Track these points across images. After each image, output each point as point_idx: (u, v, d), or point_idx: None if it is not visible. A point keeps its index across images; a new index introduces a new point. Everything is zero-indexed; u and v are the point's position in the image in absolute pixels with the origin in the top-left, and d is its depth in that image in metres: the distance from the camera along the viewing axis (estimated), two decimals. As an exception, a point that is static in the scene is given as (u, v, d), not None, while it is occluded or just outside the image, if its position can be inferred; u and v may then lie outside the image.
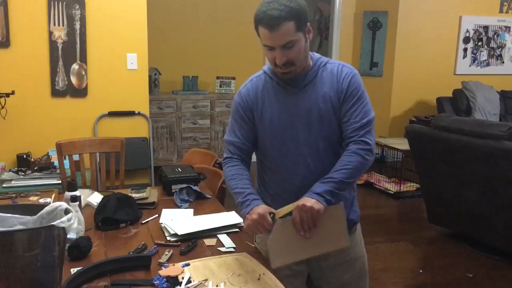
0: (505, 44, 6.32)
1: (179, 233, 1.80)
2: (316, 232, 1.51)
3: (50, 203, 1.82)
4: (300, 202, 1.49)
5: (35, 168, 3.31)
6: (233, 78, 5.59)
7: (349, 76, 1.61)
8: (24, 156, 3.40)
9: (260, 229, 1.53)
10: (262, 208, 1.52)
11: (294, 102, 1.62)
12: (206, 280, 1.47)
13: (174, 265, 1.57)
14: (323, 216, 1.50)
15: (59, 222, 1.23)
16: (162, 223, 1.94)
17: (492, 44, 6.29)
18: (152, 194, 2.26)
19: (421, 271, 3.28)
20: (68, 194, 1.85)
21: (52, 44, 3.51)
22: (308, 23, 1.56)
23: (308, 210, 1.47)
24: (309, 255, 1.59)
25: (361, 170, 1.59)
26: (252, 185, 1.66)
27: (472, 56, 6.23)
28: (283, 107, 1.63)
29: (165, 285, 1.43)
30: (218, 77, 5.61)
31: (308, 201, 1.48)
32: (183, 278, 1.47)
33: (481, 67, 6.30)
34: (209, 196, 2.33)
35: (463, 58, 6.19)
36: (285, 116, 1.63)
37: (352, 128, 1.58)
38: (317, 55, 1.67)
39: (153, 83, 5.24)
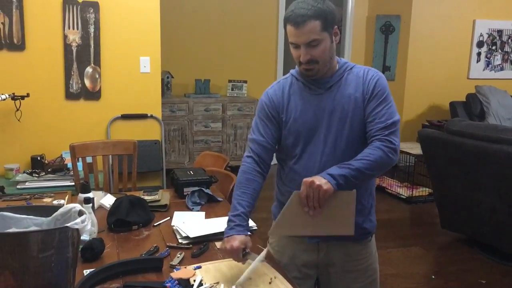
0: (519, 48, 6.26)
1: (191, 235, 1.81)
2: (322, 212, 1.49)
3: (63, 204, 1.85)
4: (311, 179, 1.47)
5: (49, 170, 3.34)
6: (245, 82, 5.61)
7: (375, 78, 1.62)
8: (38, 158, 3.44)
9: (229, 258, 1.57)
10: (238, 242, 1.52)
11: (317, 103, 1.64)
12: (217, 283, 1.47)
13: (185, 267, 1.57)
14: (332, 198, 1.49)
15: (73, 223, 1.24)
16: (174, 226, 1.95)
17: (506, 48, 6.23)
18: (164, 196, 2.27)
19: (433, 276, 3.26)
20: (81, 196, 1.86)
21: (67, 47, 3.54)
22: (336, 26, 1.58)
23: (316, 188, 1.46)
24: (309, 233, 1.58)
25: (382, 166, 1.56)
26: (253, 201, 1.64)
27: (486, 60, 6.17)
28: (307, 107, 1.65)
29: (176, 288, 1.44)
30: (230, 81, 5.63)
31: (319, 179, 1.47)
32: (194, 280, 1.47)
33: (495, 72, 6.24)
34: (221, 199, 2.33)
35: (477, 62, 6.14)
36: (308, 116, 1.64)
37: (377, 127, 1.58)
38: (344, 60, 1.70)
39: (166, 86, 5.27)
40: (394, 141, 1.57)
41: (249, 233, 1.59)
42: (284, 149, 1.73)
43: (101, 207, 2.15)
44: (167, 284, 1.45)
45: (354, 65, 1.68)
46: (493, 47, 6.16)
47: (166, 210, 2.17)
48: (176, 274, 1.51)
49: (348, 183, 1.50)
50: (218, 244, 1.78)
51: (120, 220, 1.92)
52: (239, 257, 1.52)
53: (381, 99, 1.60)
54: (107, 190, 2.81)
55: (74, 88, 3.61)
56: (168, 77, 5.31)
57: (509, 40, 6.21)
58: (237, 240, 1.52)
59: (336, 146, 1.62)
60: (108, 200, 2.19)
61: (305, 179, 1.48)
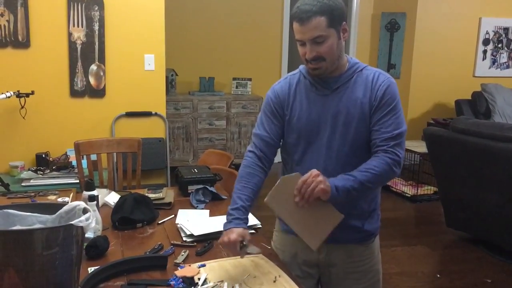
0: (526, 46, 6.22)
1: (195, 233, 1.80)
2: (305, 211, 1.48)
3: (68, 202, 1.84)
4: (319, 172, 1.46)
5: (54, 167, 3.35)
6: (249, 79, 5.60)
7: (386, 84, 1.57)
8: (43, 156, 3.45)
9: (228, 250, 1.56)
10: (236, 234, 1.50)
11: (323, 104, 1.60)
12: (221, 281, 1.47)
13: (190, 265, 1.57)
14: (322, 207, 1.48)
15: (78, 221, 1.24)
16: (178, 224, 1.94)
17: (513, 46, 6.20)
18: (168, 194, 2.27)
19: (438, 275, 3.24)
20: (86, 193, 1.86)
21: (71, 45, 3.55)
22: (344, 22, 1.54)
23: (316, 182, 1.43)
24: (287, 221, 1.56)
25: (384, 179, 1.55)
26: (253, 196, 1.62)
27: (492, 58, 6.14)
28: (312, 107, 1.62)
29: (181, 286, 1.44)
30: (234, 78, 5.62)
31: (324, 178, 1.45)
32: (199, 278, 1.47)
33: (501, 70, 6.20)
34: (225, 197, 2.33)
35: (483, 60, 6.10)
36: (312, 116, 1.61)
37: (383, 137, 1.54)
38: (355, 59, 1.65)
39: (170, 84, 5.27)
40: (399, 153, 1.54)
41: (247, 226, 1.57)
42: (286, 148, 1.71)
43: (105, 204, 2.15)
44: (171, 282, 1.45)
45: (365, 67, 1.63)
46: (499, 45, 6.12)
47: (170, 208, 2.17)
48: (180, 272, 1.51)
49: (348, 196, 1.49)
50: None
51: (125, 217, 1.92)
52: (237, 250, 1.51)
53: (389, 108, 1.55)
54: (112, 187, 2.81)
55: (79, 86, 3.62)
56: (172, 75, 5.31)
57: (515, 38, 6.17)
58: (234, 233, 1.51)
59: (340, 151, 1.59)
60: (112, 197, 2.19)
61: (314, 169, 1.47)
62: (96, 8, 3.54)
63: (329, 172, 1.59)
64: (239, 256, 1.56)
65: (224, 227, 1.56)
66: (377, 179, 1.52)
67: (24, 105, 3.39)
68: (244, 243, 1.52)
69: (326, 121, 1.60)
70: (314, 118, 1.61)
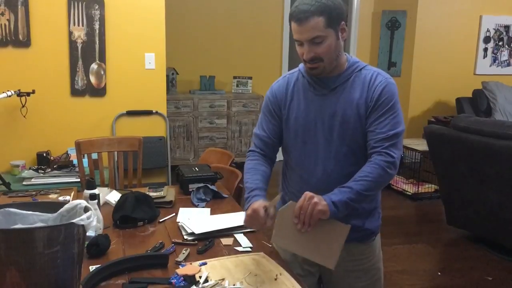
0: (526, 44, 6.21)
1: (196, 232, 1.81)
2: (311, 234, 1.48)
3: (69, 201, 1.85)
4: (312, 194, 1.46)
5: (55, 166, 3.35)
6: (250, 78, 5.60)
7: (382, 84, 1.55)
8: (44, 155, 3.45)
9: (255, 224, 1.54)
10: (257, 203, 1.51)
11: (320, 104, 1.60)
12: (223, 279, 1.47)
13: (191, 264, 1.57)
14: (326, 224, 1.47)
15: (79, 219, 1.24)
16: (179, 222, 1.94)
17: (513, 44, 6.19)
18: (169, 193, 2.27)
19: (439, 273, 3.24)
20: (87, 192, 1.87)
21: (72, 44, 3.55)
22: (343, 22, 1.53)
23: (312, 204, 1.44)
24: (297, 251, 1.56)
25: (381, 183, 1.54)
26: (264, 180, 1.64)
27: (493, 56, 6.13)
28: (309, 107, 1.61)
29: (182, 284, 1.44)
30: (235, 77, 5.62)
31: (319, 199, 1.45)
32: (200, 277, 1.47)
33: (501, 67, 6.19)
34: (226, 196, 2.33)
35: (484, 58, 6.09)
36: (310, 116, 1.61)
37: (377, 138, 1.53)
38: (354, 58, 1.63)
39: (171, 83, 5.27)
40: (394, 153, 1.52)
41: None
42: (285, 147, 1.72)
43: (106, 203, 2.15)
44: (172, 280, 1.45)
45: (365, 66, 1.61)
46: (500, 43, 6.12)
47: (171, 206, 2.17)
48: (181, 271, 1.51)
49: (348, 208, 1.49)
50: (223, 241, 1.78)
51: (126, 216, 1.92)
52: (262, 216, 1.49)
53: (385, 109, 1.54)
54: (113, 186, 2.81)
55: (80, 85, 3.62)
56: (173, 74, 5.31)
57: (516, 36, 6.16)
58: (256, 203, 1.52)
59: (338, 151, 1.59)
60: (113, 196, 2.19)
61: (307, 192, 1.47)
62: (97, 7, 3.54)
63: (328, 173, 1.60)
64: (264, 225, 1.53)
65: (244, 208, 1.57)
66: (374, 185, 1.52)
67: (25, 104, 3.39)
68: (267, 206, 1.52)
69: (323, 121, 1.59)
70: (311, 118, 1.61)
